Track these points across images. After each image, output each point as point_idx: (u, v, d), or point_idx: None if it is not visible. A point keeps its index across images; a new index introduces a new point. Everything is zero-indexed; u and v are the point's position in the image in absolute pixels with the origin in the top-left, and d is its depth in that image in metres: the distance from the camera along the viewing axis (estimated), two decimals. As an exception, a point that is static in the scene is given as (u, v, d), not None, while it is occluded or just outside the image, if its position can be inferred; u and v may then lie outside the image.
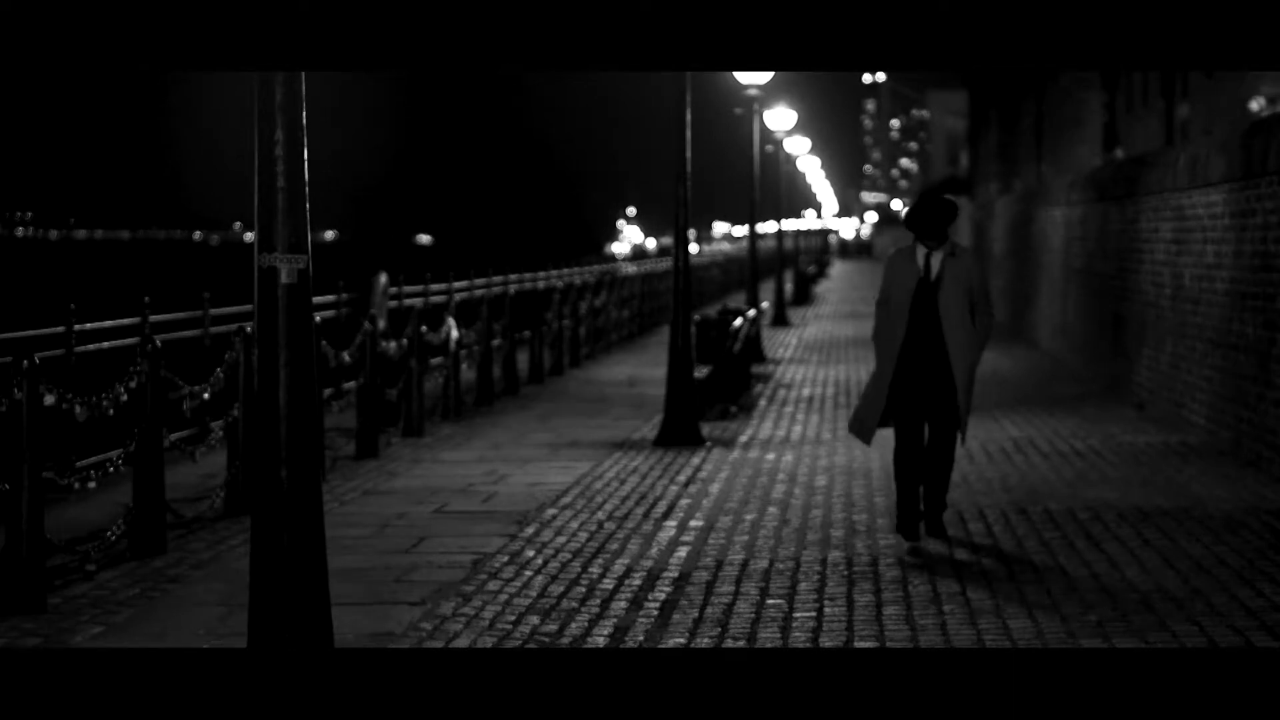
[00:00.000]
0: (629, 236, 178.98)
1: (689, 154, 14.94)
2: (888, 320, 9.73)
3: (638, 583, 8.80)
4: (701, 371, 16.64)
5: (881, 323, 9.81)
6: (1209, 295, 14.00)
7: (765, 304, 30.90)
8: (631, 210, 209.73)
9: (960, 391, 9.54)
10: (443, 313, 20.08)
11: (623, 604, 8.32)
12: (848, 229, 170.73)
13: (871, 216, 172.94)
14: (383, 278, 22.13)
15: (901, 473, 9.76)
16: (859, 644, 7.51)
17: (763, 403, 18.17)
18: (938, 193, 9.55)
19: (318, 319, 12.34)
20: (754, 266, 27.90)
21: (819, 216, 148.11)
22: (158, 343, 10.15)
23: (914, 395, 9.61)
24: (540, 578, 8.95)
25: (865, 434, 9.90)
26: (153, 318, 14.23)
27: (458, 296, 24.61)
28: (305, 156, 5.91)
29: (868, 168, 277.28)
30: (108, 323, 14.37)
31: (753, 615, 8.03)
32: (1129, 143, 40.07)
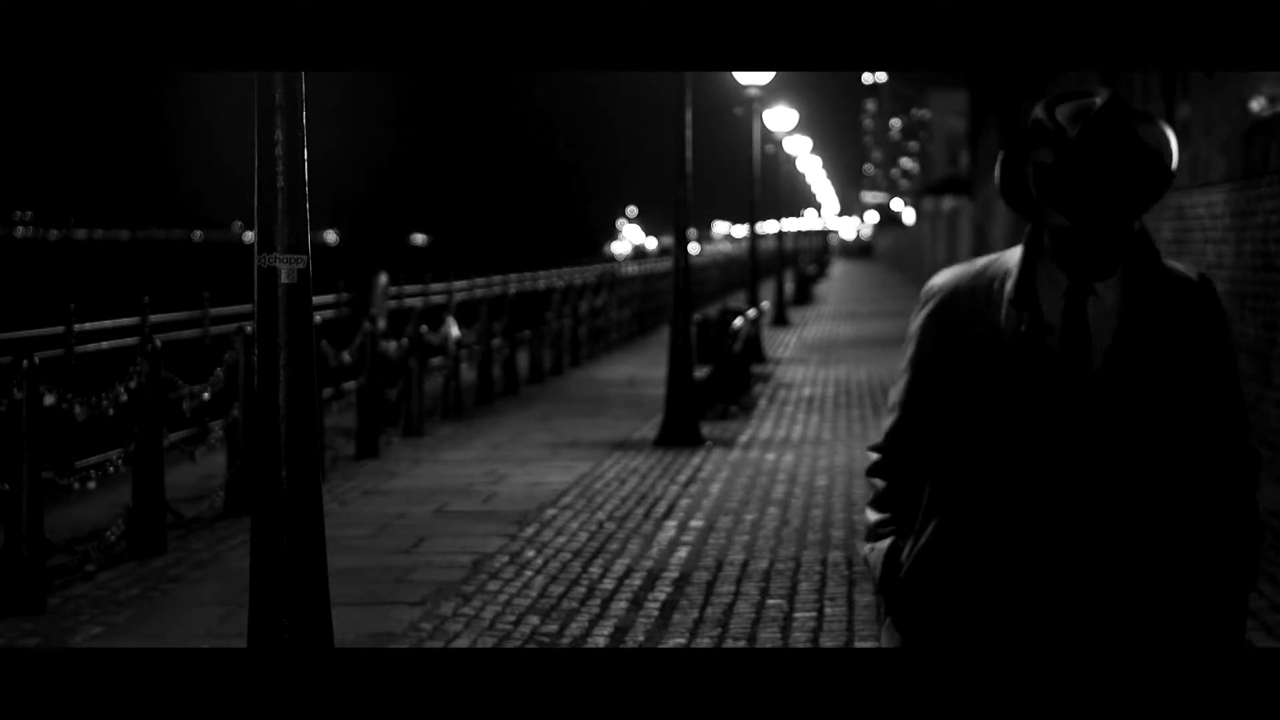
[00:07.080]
0: (629, 236, 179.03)
1: (689, 154, 14.94)
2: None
3: (638, 583, 8.80)
4: (701, 371, 16.64)
5: (895, 514, 3.26)
6: (1209, 295, 13.98)
7: (765, 304, 30.90)
8: (632, 210, 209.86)
9: None
10: (443, 313, 20.08)
11: (623, 604, 8.31)
12: (848, 229, 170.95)
13: (872, 216, 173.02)
14: (383, 278, 22.09)
15: None
16: (859, 644, 7.51)
17: (763, 403, 18.16)
18: (1117, 121, 2.71)
19: (318, 319, 12.34)
20: (754, 266, 27.91)
21: (819, 216, 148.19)
22: (157, 343, 10.16)
23: None
24: (540, 578, 8.95)
25: None
26: (152, 318, 14.20)
27: (458, 296, 24.59)
28: (305, 156, 5.90)
29: (868, 167, 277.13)
30: (107, 323, 14.33)
31: (753, 616, 8.03)
32: (1129, 143, 39.99)
